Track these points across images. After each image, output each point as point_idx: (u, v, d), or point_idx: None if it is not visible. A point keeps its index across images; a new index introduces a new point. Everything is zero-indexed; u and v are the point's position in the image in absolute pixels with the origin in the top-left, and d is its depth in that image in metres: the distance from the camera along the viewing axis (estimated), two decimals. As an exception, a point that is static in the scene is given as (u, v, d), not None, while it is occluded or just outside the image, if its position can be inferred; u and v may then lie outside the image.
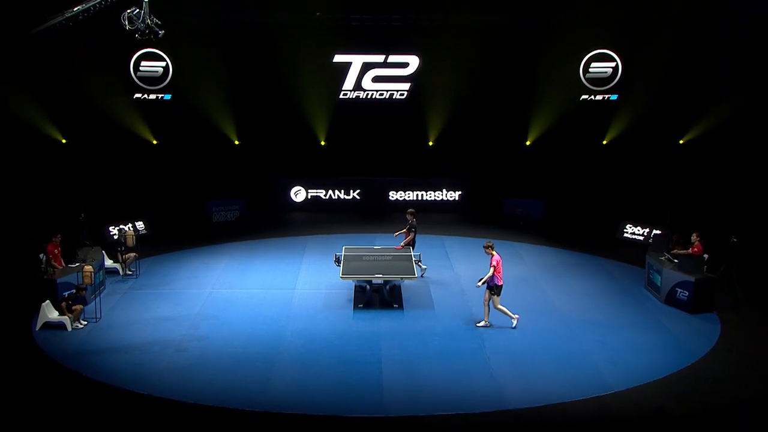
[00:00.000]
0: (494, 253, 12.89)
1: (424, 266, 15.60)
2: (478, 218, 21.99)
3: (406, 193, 23.02)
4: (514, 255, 17.97)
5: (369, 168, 23.06)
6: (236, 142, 22.80)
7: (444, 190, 23.01)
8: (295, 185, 22.88)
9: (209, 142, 22.41)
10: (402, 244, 15.99)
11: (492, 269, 12.76)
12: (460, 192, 22.98)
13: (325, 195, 23.02)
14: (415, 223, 16.03)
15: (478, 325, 13.11)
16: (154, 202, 21.54)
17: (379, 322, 13.45)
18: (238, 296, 14.80)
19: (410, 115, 22.58)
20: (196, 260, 17.36)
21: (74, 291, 13.33)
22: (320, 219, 21.84)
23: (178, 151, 22.19)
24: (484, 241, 13.31)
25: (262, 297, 14.73)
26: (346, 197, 23.03)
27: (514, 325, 13.00)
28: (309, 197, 22.94)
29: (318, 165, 23.12)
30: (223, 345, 12.34)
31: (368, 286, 14.39)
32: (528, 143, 22.80)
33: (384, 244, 17.16)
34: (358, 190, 23.02)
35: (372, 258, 15.18)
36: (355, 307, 14.15)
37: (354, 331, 12.99)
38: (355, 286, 14.89)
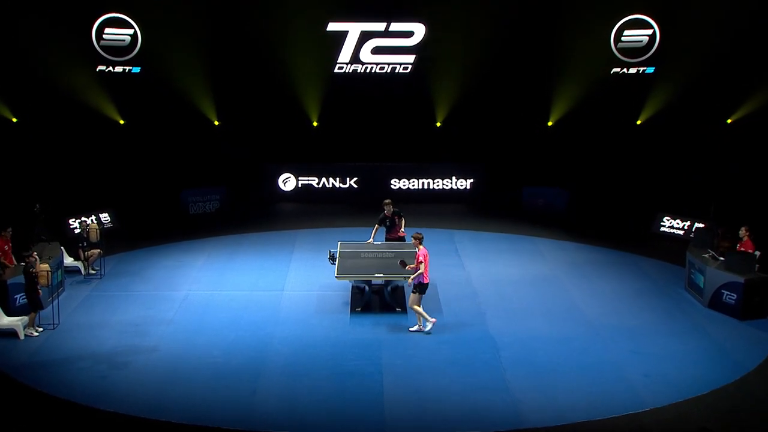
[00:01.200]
0: (422, 246, 13.00)
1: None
2: (493, 210, 22.04)
3: (410, 181, 23.08)
4: (534, 252, 17.99)
5: (368, 152, 23.11)
6: (216, 123, 22.82)
7: (453, 178, 23.08)
8: (284, 172, 22.94)
9: (185, 122, 22.49)
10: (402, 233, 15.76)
11: (421, 265, 12.83)
12: (471, 180, 23.04)
13: (318, 183, 23.08)
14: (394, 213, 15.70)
15: (411, 329, 13.17)
16: (122, 191, 21.57)
17: (380, 328, 13.47)
18: (218, 299, 14.83)
19: (415, 91, 22.61)
20: (170, 258, 17.39)
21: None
22: (312, 210, 21.87)
23: (149, 133, 22.18)
24: (413, 234, 13.24)
25: (246, 300, 14.75)
26: (342, 186, 23.09)
27: (428, 329, 13.07)
28: (299, 186, 23.01)
29: (310, 149, 23.18)
30: (202, 355, 12.36)
31: (367, 287, 14.41)
32: (550, 123, 22.82)
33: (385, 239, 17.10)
34: (355, 178, 23.09)
35: (371, 255, 15.17)
36: (353, 310, 14.17)
37: (351, 339, 13.00)
38: (352, 287, 14.91)
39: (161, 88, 21.75)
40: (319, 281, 15.34)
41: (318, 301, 14.57)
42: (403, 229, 15.93)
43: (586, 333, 13.33)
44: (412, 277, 13.04)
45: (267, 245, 18.40)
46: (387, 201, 15.81)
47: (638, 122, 22.39)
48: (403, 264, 13.26)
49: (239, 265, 16.90)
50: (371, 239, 15.57)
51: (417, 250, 13.12)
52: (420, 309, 13.07)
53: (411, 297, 13.14)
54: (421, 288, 13.06)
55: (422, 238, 13.24)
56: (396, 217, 15.81)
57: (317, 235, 19.07)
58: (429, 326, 13.15)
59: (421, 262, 12.93)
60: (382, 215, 15.77)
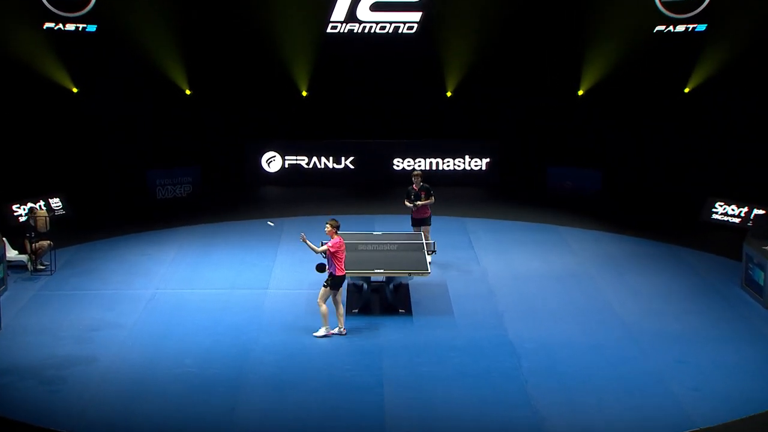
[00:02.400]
0: (336, 236, 13.15)
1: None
2: (512, 194, 22.10)
3: (416, 160, 23.13)
4: (561, 243, 18.05)
5: (367, 128, 23.15)
6: (187, 92, 22.76)
7: (467, 157, 23.12)
8: (268, 150, 22.98)
9: (151, 91, 22.42)
10: (420, 203, 16.19)
11: (327, 252, 13.01)
12: (488, 159, 23.08)
13: (308, 163, 23.13)
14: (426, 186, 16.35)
15: (315, 334, 13.20)
16: (76, 171, 21.54)
17: (380, 332, 13.51)
18: (191, 299, 14.85)
19: (422, 55, 22.55)
20: (134, 250, 17.41)
21: None
22: (301, 195, 21.91)
23: (107, 104, 22.13)
24: (328, 221, 13.34)
25: (224, 300, 14.79)
26: (336, 167, 23.15)
27: (320, 333, 13.15)
28: (286, 166, 23.06)
29: (298, 123, 23.21)
30: (172, 364, 12.37)
31: (365, 285, 14.45)
32: (581, 92, 22.74)
33: (386, 229, 17.20)
34: (351, 157, 23.13)
35: (371, 247, 15.26)
36: (349, 311, 14.17)
37: (347, 345, 13.02)
38: (348, 285, 14.88)
39: (121, 49, 21.67)
40: (309, 278, 15.26)
41: (308, 301, 14.54)
42: (422, 203, 16.29)
43: (622, 339, 13.33)
44: (318, 250, 13.15)
45: (249, 236, 18.42)
46: (416, 172, 16.62)
47: (686, 90, 22.31)
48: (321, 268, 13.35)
49: (216, 259, 16.92)
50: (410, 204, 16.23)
51: (330, 239, 13.17)
52: (324, 308, 13.13)
53: (322, 291, 13.16)
54: (333, 281, 13.08)
55: (338, 226, 13.27)
56: (423, 193, 16.26)
57: (307, 224, 18.98)
58: (322, 331, 13.19)
59: (333, 253, 12.98)
60: (409, 188, 16.36)
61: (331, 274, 13.11)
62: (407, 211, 16.58)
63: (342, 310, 13.40)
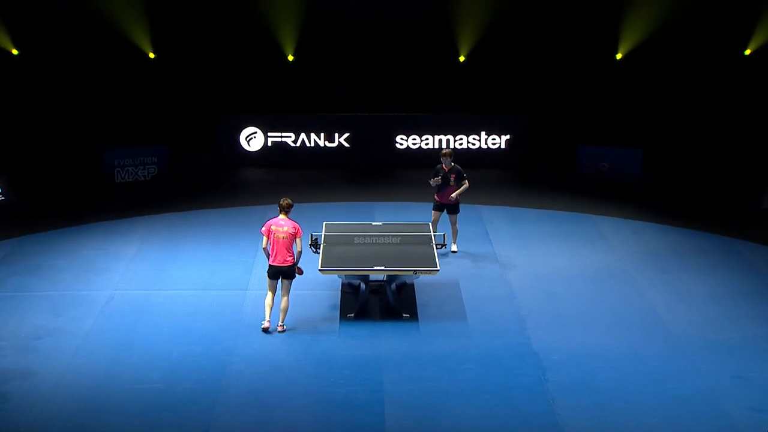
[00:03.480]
0: (285, 215, 13.73)
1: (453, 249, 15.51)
2: (537, 178, 22.10)
3: (423, 138, 23.17)
4: (595, 234, 18.08)
5: (365, 99, 23.17)
6: (151, 56, 22.70)
7: (483, 134, 23.18)
8: (248, 126, 23.04)
9: (108, 55, 22.37)
10: (455, 195, 16.61)
11: (300, 239, 13.70)
12: (508, 136, 23.16)
13: (295, 141, 23.19)
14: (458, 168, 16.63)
15: (264, 324, 13.71)
16: (18, 150, 21.49)
17: (381, 340, 13.51)
18: (156, 301, 14.86)
19: (430, 14, 22.50)
20: (88, 244, 17.42)
21: None
22: (287, 178, 21.91)
23: (56, 69, 22.06)
24: (280, 201, 13.84)
25: (196, 302, 14.80)
26: (329, 145, 23.22)
27: (264, 326, 13.68)
28: (269, 144, 23.15)
29: (284, 94, 23.13)
30: (134, 379, 12.35)
31: (363, 285, 14.43)
32: (619, 56, 22.70)
33: (388, 218, 17.22)
34: (346, 134, 23.18)
35: (369, 240, 15.24)
36: (343, 317, 14.22)
37: (341, 356, 13.02)
38: (343, 285, 14.99)
39: (74, 7, 21.58)
40: (296, 278, 15.19)
41: (296, 304, 14.43)
42: (457, 194, 16.59)
43: (667, 350, 13.32)
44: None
45: (225, 227, 18.46)
46: (446, 150, 16.89)
47: (747, 52, 22.25)
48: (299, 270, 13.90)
49: (186, 254, 16.95)
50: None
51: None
52: (268, 300, 13.78)
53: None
54: (269, 270, 13.75)
55: (290, 205, 13.84)
56: (453, 175, 16.53)
57: (294, 212, 18.88)
58: (264, 324, 13.74)
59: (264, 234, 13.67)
60: (437, 167, 16.65)
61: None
62: (412, 197, 16.54)
63: (285, 304, 13.80)
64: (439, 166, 16.65)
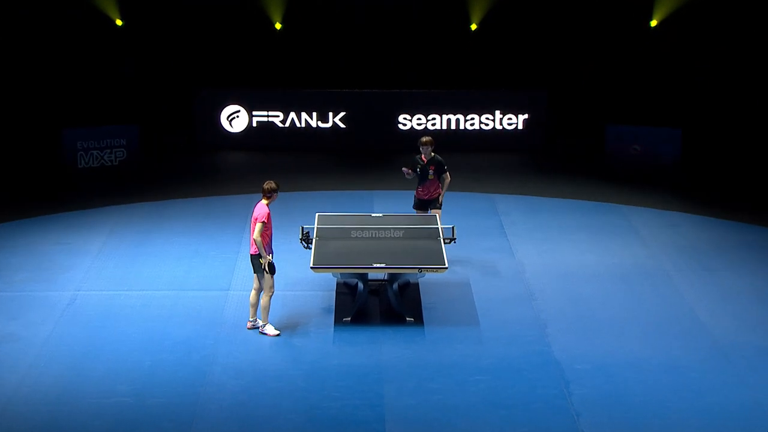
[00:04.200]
0: (265, 201, 13.61)
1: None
2: (559, 162, 22.19)
3: (429, 118, 23.24)
4: (626, 228, 18.16)
5: (363, 74, 23.20)
6: (119, 23, 22.63)
7: (497, 113, 23.27)
8: (230, 103, 23.17)
9: (69, 23, 22.31)
10: (441, 200, 16.32)
11: (257, 226, 13.39)
12: (526, 116, 23.25)
13: (284, 121, 23.34)
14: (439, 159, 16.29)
15: (250, 321, 13.90)
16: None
17: (381, 348, 13.52)
18: (125, 303, 14.87)
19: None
20: (47, 238, 17.46)
21: None
22: (274, 163, 22.02)
23: (7, 36, 21.96)
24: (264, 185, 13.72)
25: (171, 305, 14.82)
26: (322, 125, 23.35)
27: (249, 326, 13.90)
28: (254, 125, 23.34)
29: (270, 68, 23.10)
30: (99, 392, 12.31)
31: (361, 285, 14.44)
32: (653, 23, 22.63)
33: (389, 210, 17.18)
34: (342, 113, 23.31)
35: (368, 234, 15.22)
36: (339, 321, 14.23)
37: (336, 366, 13.02)
38: (338, 285, 15.07)
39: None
40: (285, 275, 15.20)
41: (285, 306, 14.57)
42: (442, 196, 16.27)
43: (709, 359, 13.28)
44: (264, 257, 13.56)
45: (204, 219, 18.52)
46: (425, 139, 16.29)
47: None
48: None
49: (159, 249, 16.96)
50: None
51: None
52: (252, 297, 13.82)
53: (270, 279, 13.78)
54: (252, 259, 13.68)
55: (274, 189, 13.69)
56: (432, 168, 16.16)
57: (282, 201, 18.90)
58: (248, 324, 13.91)
59: (260, 222, 13.37)
60: (415, 157, 16.26)
61: (251, 255, 13.62)
62: (417, 185, 16.39)
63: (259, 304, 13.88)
64: (417, 156, 16.29)
